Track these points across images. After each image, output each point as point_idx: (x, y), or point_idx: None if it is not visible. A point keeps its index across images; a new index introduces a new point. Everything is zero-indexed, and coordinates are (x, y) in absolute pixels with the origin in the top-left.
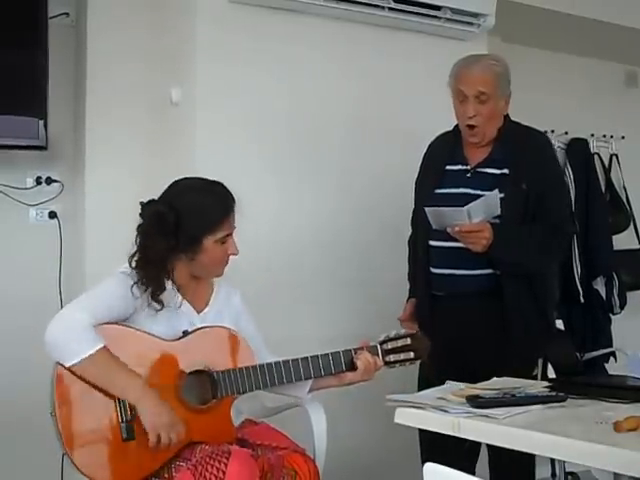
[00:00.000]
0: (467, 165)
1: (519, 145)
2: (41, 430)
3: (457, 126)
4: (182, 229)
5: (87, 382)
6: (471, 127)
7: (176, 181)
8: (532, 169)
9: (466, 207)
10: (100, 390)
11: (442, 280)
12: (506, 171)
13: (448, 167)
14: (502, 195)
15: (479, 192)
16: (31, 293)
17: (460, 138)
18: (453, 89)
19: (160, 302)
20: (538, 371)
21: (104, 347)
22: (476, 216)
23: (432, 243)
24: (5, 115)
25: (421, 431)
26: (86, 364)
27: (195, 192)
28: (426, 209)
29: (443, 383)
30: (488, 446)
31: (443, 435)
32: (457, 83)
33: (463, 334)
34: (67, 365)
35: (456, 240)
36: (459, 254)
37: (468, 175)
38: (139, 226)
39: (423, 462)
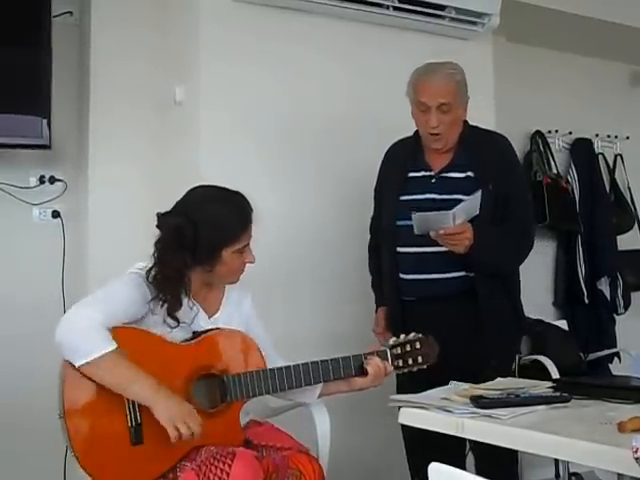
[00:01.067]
0: (430, 171)
1: (481, 148)
2: (44, 433)
3: (417, 132)
4: (200, 242)
5: (96, 382)
6: (434, 135)
7: (192, 190)
8: (497, 171)
9: (452, 210)
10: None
11: (414, 285)
12: (470, 174)
13: (411, 174)
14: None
15: (444, 197)
16: (34, 292)
17: (421, 145)
18: (413, 100)
19: (176, 319)
20: (515, 366)
21: (115, 348)
22: (459, 218)
23: (401, 250)
24: (8, 114)
25: (403, 428)
26: (96, 365)
27: (214, 203)
28: (413, 215)
29: (419, 388)
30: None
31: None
32: (418, 95)
33: (438, 337)
34: (77, 365)
35: (424, 245)
36: (430, 259)
37: (433, 181)
38: (157, 240)
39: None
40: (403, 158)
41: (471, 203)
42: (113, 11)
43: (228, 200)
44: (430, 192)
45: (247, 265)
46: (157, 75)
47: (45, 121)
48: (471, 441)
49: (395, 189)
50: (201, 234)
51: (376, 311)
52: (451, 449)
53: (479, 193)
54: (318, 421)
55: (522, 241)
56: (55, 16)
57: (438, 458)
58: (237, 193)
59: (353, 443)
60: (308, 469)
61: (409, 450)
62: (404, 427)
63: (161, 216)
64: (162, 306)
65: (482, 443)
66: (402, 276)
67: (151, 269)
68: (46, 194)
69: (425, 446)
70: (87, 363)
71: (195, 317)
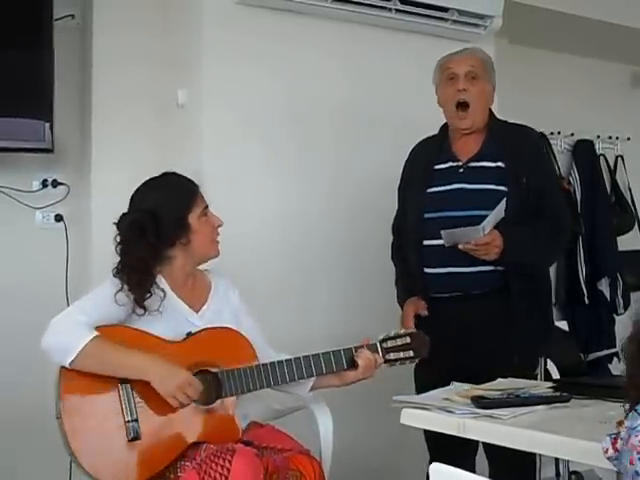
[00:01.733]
0: (458, 161)
1: (511, 140)
2: (48, 432)
3: (442, 127)
4: (164, 222)
5: (93, 375)
6: (463, 106)
7: (133, 193)
8: (529, 165)
9: (482, 224)
10: (105, 385)
11: (440, 279)
12: (500, 164)
13: (437, 166)
14: (505, 189)
15: (475, 186)
16: (38, 296)
17: (447, 137)
18: (440, 79)
19: (143, 307)
20: (540, 370)
21: (97, 337)
22: (487, 229)
23: (427, 243)
24: (11, 118)
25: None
26: (83, 357)
27: (157, 187)
28: (442, 232)
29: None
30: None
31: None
32: (446, 66)
33: (466, 335)
34: (67, 364)
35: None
36: (459, 251)
37: (460, 170)
38: (119, 241)
39: (431, 461)
40: (428, 153)
41: (497, 212)
42: (115, 14)
43: (166, 177)
44: (458, 182)
45: (220, 230)
46: (159, 78)
47: (48, 125)
48: (485, 445)
49: (421, 182)
50: (161, 215)
51: (401, 308)
52: (463, 451)
53: (504, 202)
54: (321, 422)
55: (557, 237)
56: (57, 19)
57: (457, 458)
58: (170, 172)
59: (356, 444)
60: (309, 470)
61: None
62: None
63: (118, 221)
64: (130, 296)
65: (498, 449)
66: (427, 270)
67: (117, 266)
68: (49, 198)
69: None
70: (75, 358)
71: (181, 313)
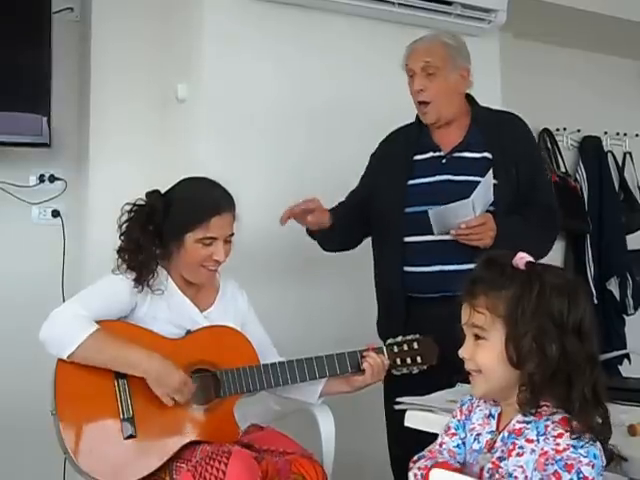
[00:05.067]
0: (440, 151)
1: (498, 129)
2: (43, 432)
3: (418, 116)
4: (169, 220)
5: (89, 371)
6: (423, 104)
7: (181, 179)
8: (519, 155)
9: (470, 198)
10: (101, 381)
11: (423, 278)
12: (487, 155)
13: (417, 157)
14: (495, 182)
15: (460, 178)
16: (34, 292)
17: (424, 125)
18: (404, 69)
19: (142, 285)
20: None
21: (98, 330)
22: (478, 207)
23: (409, 239)
24: (8, 112)
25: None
26: (83, 349)
27: (188, 187)
28: (430, 211)
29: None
30: None
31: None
32: (405, 60)
33: (454, 339)
34: (66, 356)
35: (429, 233)
36: (444, 248)
37: (443, 161)
38: (129, 211)
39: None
40: (406, 140)
41: (485, 188)
42: (114, 7)
43: (203, 186)
44: (442, 173)
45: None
46: (159, 72)
47: (45, 119)
48: None
49: (399, 173)
50: (170, 212)
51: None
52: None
53: (490, 175)
54: (322, 424)
55: (549, 227)
56: (55, 12)
57: None
58: (219, 186)
59: (358, 447)
60: (311, 473)
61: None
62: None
63: (146, 194)
64: (131, 283)
65: None
66: (408, 269)
67: (120, 245)
68: (46, 193)
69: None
70: (75, 350)
71: (186, 311)
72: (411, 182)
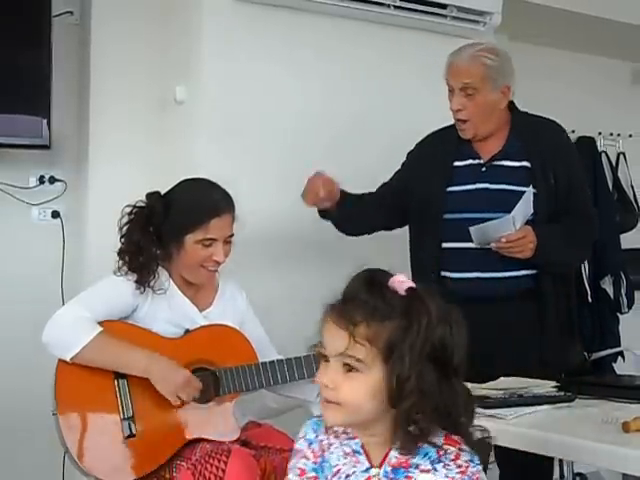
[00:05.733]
0: (479, 159)
1: (537, 137)
2: (43, 433)
3: None
4: (168, 221)
5: (89, 371)
6: (461, 121)
7: (181, 180)
8: (558, 163)
9: (512, 214)
10: (102, 381)
11: (461, 284)
12: (526, 164)
13: (456, 163)
14: (534, 191)
15: (498, 186)
16: (33, 293)
17: None
18: (445, 81)
19: (144, 286)
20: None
21: (101, 332)
22: (518, 221)
23: (446, 245)
24: (8, 114)
25: None
26: (88, 351)
27: (187, 188)
28: (471, 228)
29: None
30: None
31: None
32: (446, 74)
33: (489, 341)
34: (69, 358)
35: (469, 240)
36: (483, 255)
37: (483, 169)
38: (127, 217)
39: None
40: (444, 146)
41: (525, 203)
42: (113, 11)
43: (202, 187)
44: (481, 182)
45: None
46: (158, 74)
47: (45, 121)
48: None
49: (439, 179)
50: (170, 214)
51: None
52: None
53: (530, 191)
54: None
55: (588, 235)
56: (55, 15)
57: None
58: (218, 187)
59: None
60: None
61: None
62: None
63: (146, 195)
64: (133, 285)
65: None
66: (445, 274)
67: (121, 247)
68: (46, 194)
69: None
70: (78, 352)
71: (186, 311)
72: (450, 189)
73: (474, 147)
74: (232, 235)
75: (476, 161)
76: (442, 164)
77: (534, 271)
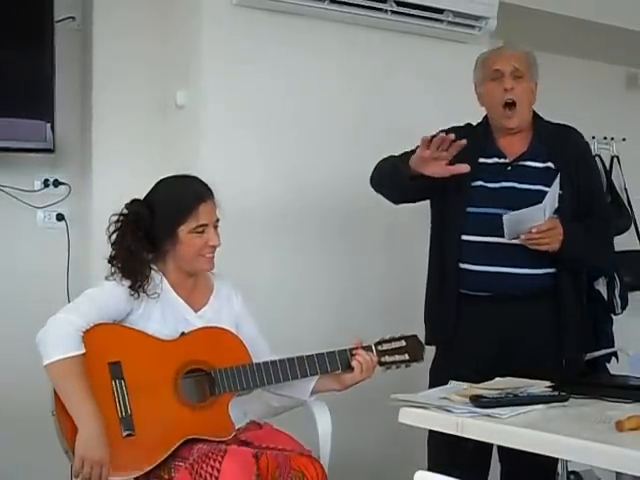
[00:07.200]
0: (505, 158)
1: (559, 141)
2: (47, 432)
3: (485, 118)
4: (156, 221)
5: (87, 371)
6: (510, 106)
7: (158, 181)
8: (580, 167)
9: (543, 203)
10: (99, 381)
11: (480, 278)
12: (550, 165)
13: (482, 159)
14: (560, 191)
15: (525, 186)
16: (38, 295)
17: (489, 131)
18: (483, 75)
19: (138, 292)
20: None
21: (77, 355)
22: (548, 212)
23: (467, 238)
24: (12, 118)
25: (430, 437)
26: (55, 367)
27: (168, 185)
28: (504, 216)
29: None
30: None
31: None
32: (491, 64)
33: (506, 339)
34: (44, 365)
35: (497, 235)
36: (504, 250)
37: (508, 168)
38: (117, 225)
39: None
40: (470, 141)
41: (553, 194)
42: (115, 16)
43: (181, 181)
44: (507, 180)
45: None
46: (159, 79)
47: (49, 125)
48: (500, 454)
49: (464, 173)
50: (156, 213)
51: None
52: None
53: (557, 183)
54: (319, 421)
55: (606, 239)
56: (58, 21)
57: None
58: (192, 176)
59: (355, 443)
60: (311, 471)
61: (432, 460)
62: (431, 436)
63: (125, 206)
64: (127, 289)
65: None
66: (464, 266)
67: (111, 254)
68: (50, 197)
69: (451, 457)
70: (49, 364)
71: (180, 312)
72: (474, 184)
73: (499, 146)
74: (218, 220)
75: (501, 160)
76: (468, 158)
77: (553, 270)
